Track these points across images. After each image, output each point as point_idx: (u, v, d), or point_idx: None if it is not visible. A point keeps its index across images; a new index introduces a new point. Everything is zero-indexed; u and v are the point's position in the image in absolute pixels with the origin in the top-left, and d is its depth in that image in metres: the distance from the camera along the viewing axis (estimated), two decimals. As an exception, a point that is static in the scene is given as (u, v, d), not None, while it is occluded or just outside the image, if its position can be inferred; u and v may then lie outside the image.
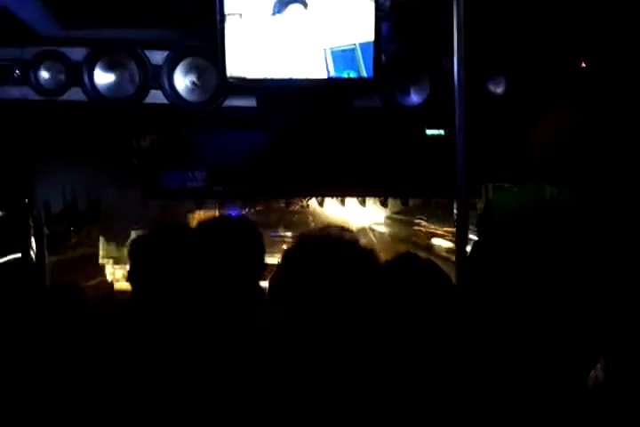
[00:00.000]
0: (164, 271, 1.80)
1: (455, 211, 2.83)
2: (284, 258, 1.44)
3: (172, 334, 1.65)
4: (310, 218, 5.16)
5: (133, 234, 4.02)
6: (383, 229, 5.44)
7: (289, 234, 5.09)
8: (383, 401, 1.34)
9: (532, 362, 1.56)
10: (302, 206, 4.98)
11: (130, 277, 1.92)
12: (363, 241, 1.77)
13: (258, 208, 4.85)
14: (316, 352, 1.32)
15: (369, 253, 1.46)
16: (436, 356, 1.58)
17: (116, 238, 4.26)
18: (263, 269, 1.93)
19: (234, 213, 4.49)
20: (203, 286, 1.77)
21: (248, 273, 1.89)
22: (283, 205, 4.82)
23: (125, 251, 2.07)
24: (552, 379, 1.52)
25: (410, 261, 1.93)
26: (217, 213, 4.42)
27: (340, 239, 1.47)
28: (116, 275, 4.41)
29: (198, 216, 4.42)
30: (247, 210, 4.69)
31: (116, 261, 4.42)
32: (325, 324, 1.33)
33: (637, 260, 1.76)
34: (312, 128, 3.66)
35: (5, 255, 3.54)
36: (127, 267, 1.94)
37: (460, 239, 2.72)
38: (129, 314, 1.80)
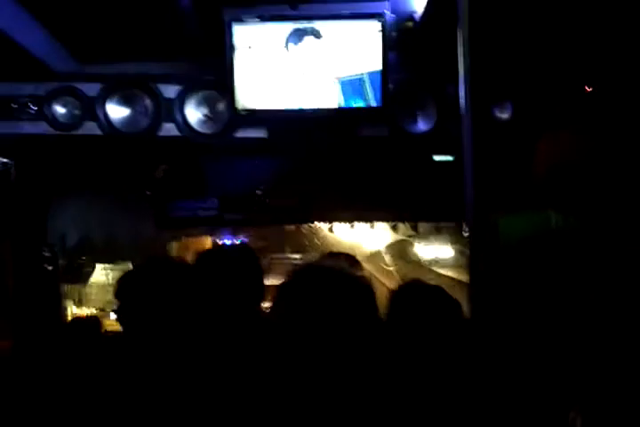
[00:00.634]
0: (155, 307, 1.78)
1: (466, 234, 2.85)
2: (278, 292, 1.45)
3: (175, 359, 1.68)
4: (317, 240, 5.17)
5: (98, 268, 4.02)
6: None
7: (296, 256, 5.10)
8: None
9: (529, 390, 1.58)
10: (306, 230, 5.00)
11: (119, 315, 1.87)
12: (361, 271, 1.79)
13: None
14: (314, 382, 1.33)
15: (364, 285, 1.45)
16: (444, 382, 1.60)
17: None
18: (262, 294, 1.96)
19: (228, 239, 4.50)
20: (200, 316, 1.79)
21: (247, 299, 1.92)
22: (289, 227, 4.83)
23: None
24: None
25: (417, 290, 1.96)
26: (206, 241, 4.43)
27: (334, 272, 1.47)
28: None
29: (183, 244, 4.44)
30: (244, 236, 4.66)
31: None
32: (318, 354, 1.34)
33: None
34: (321, 156, 3.70)
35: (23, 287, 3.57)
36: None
37: (473, 264, 2.73)
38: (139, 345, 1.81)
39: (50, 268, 3.59)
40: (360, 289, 1.40)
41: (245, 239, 4.46)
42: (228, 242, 4.44)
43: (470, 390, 1.61)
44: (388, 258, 5.35)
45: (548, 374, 1.68)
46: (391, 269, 5.24)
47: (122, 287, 1.86)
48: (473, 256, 2.74)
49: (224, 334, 1.81)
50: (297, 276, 1.45)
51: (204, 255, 2.09)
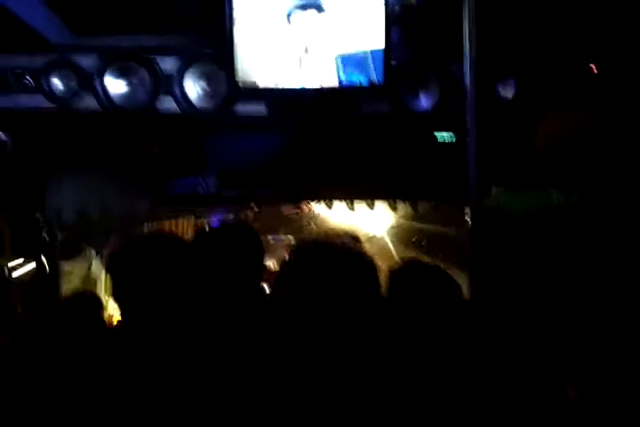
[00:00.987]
0: (153, 285, 1.69)
1: (468, 216, 2.84)
2: (281, 268, 1.45)
3: (175, 340, 1.64)
4: (312, 223, 5.15)
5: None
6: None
7: (291, 237, 5.08)
8: (387, 410, 1.35)
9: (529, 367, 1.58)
10: (298, 212, 4.97)
11: (114, 295, 1.74)
12: (361, 247, 1.79)
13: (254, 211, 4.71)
14: (317, 362, 1.33)
15: (366, 260, 1.45)
16: (441, 361, 1.59)
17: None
18: (262, 272, 1.94)
19: (216, 218, 4.45)
20: (201, 293, 1.76)
21: (247, 277, 1.90)
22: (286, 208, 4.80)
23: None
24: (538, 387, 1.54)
25: (417, 269, 1.95)
26: (192, 222, 4.37)
27: (336, 247, 1.46)
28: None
29: (168, 225, 4.40)
30: (241, 214, 4.59)
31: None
32: (323, 333, 1.34)
33: None
34: (322, 133, 3.66)
35: (20, 264, 3.55)
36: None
37: (475, 244, 2.71)
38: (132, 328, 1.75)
39: (47, 239, 3.58)
40: (363, 265, 1.40)
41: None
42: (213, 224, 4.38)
43: (468, 367, 1.60)
44: (387, 241, 5.35)
45: (546, 347, 1.68)
46: (392, 252, 5.25)
47: (116, 263, 1.76)
48: (474, 235, 2.72)
49: (225, 312, 1.79)
50: (301, 252, 1.45)
51: (203, 233, 2.07)
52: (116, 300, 1.71)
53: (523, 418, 1.51)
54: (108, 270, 1.79)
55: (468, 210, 2.84)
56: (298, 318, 1.35)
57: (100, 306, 2.65)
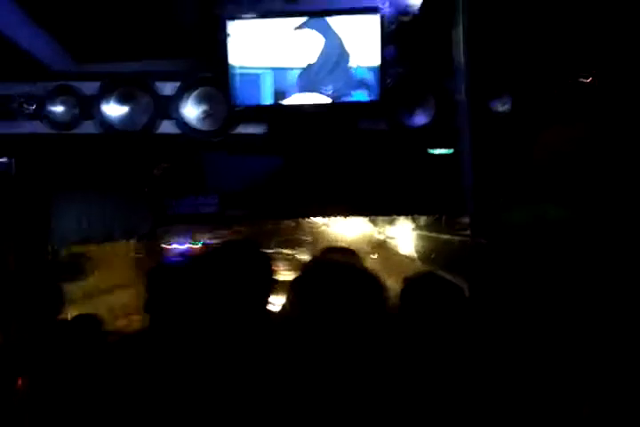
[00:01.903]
0: (181, 299, 1.86)
1: (468, 226, 2.88)
2: (291, 287, 1.47)
3: (185, 359, 1.68)
4: (304, 237, 5.14)
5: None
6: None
7: (285, 251, 5.07)
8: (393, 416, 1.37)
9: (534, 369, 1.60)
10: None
11: (147, 307, 2.00)
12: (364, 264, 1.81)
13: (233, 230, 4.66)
14: (327, 377, 1.35)
15: (374, 280, 1.48)
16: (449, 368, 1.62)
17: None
18: (270, 291, 1.96)
19: (179, 248, 4.43)
20: (216, 310, 1.79)
21: (257, 295, 1.90)
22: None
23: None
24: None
25: (430, 281, 1.98)
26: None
27: (342, 265, 1.49)
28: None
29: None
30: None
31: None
32: (333, 347, 1.36)
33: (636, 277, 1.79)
34: (320, 151, 3.70)
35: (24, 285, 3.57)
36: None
37: (474, 252, 2.75)
38: (149, 341, 1.85)
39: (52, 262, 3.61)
40: (370, 284, 1.42)
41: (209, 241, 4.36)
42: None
43: (481, 384, 1.62)
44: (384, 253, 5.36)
45: (557, 367, 1.70)
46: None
47: (153, 278, 1.99)
48: (473, 247, 2.76)
49: (235, 329, 1.81)
50: (309, 271, 1.47)
51: (213, 252, 2.09)
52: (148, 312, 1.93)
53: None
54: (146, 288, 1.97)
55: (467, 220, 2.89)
56: (307, 333, 1.37)
57: (100, 325, 2.70)
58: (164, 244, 4.35)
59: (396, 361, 1.50)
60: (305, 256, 4.86)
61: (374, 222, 4.47)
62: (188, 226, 4.26)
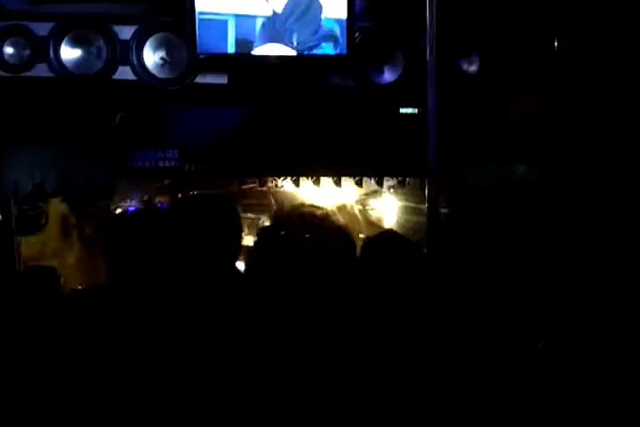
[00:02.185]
0: (140, 253, 1.77)
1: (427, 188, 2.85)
2: (259, 237, 1.44)
3: (150, 316, 1.63)
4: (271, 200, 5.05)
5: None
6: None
7: (250, 215, 4.96)
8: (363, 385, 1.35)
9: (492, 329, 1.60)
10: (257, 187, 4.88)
11: (107, 259, 1.90)
12: (333, 217, 1.78)
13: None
14: (294, 331, 1.32)
15: (341, 228, 1.46)
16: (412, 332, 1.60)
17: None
18: (239, 251, 1.89)
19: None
20: (179, 267, 1.74)
21: (226, 254, 1.84)
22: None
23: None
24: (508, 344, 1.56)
25: (391, 239, 1.96)
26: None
27: (313, 216, 1.46)
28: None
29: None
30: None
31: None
32: (302, 301, 1.34)
33: (598, 240, 1.80)
34: (285, 106, 3.62)
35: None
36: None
37: (432, 215, 2.73)
38: (106, 298, 1.78)
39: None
40: (340, 236, 1.40)
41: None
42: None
43: (440, 329, 1.61)
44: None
45: (516, 307, 1.70)
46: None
47: (112, 229, 1.91)
48: (431, 209, 2.73)
49: (206, 288, 1.76)
50: (279, 220, 1.44)
51: (182, 202, 2.04)
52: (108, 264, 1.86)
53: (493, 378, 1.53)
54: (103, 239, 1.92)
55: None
56: (276, 285, 1.34)
57: (57, 278, 2.63)
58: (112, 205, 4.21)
59: (359, 320, 1.47)
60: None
61: (340, 186, 4.39)
62: (137, 186, 4.12)
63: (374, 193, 4.69)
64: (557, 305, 1.69)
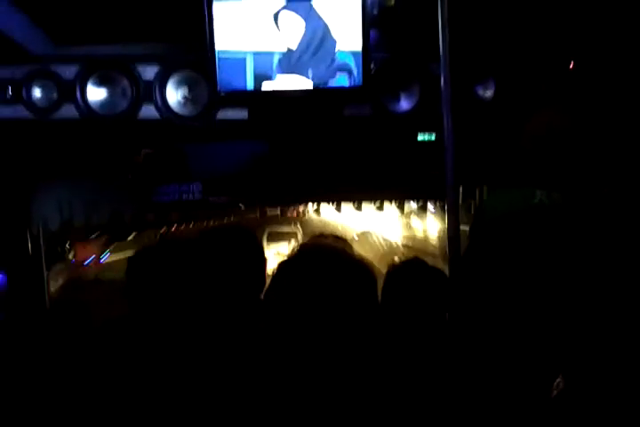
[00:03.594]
0: (161, 287, 1.80)
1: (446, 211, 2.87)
2: (279, 269, 1.42)
3: (172, 348, 1.66)
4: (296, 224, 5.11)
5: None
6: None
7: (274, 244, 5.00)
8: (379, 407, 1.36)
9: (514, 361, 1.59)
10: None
11: (126, 294, 1.88)
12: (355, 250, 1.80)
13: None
14: (314, 363, 1.33)
15: (362, 263, 1.45)
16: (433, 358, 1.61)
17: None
18: (264, 283, 1.88)
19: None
20: (202, 301, 1.77)
21: (248, 287, 1.85)
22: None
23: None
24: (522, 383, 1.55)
25: (417, 268, 1.97)
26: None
27: (334, 250, 1.46)
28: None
29: None
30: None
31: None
32: (320, 334, 1.33)
33: (623, 264, 1.78)
34: (304, 137, 3.68)
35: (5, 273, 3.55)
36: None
37: (452, 238, 2.75)
38: (129, 331, 1.80)
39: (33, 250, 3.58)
40: (361, 272, 1.38)
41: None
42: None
43: (458, 364, 1.62)
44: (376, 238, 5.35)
45: (534, 342, 1.69)
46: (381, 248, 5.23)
47: (134, 267, 1.87)
48: (451, 232, 2.75)
49: (228, 322, 1.77)
50: (299, 255, 1.42)
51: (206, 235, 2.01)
52: (128, 298, 1.84)
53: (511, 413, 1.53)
54: (125, 273, 1.87)
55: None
56: (293, 320, 1.33)
57: (87, 310, 2.67)
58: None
59: (382, 350, 1.48)
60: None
61: (360, 210, 4.44)
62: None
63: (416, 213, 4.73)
64: (579, 336, 1.67)
